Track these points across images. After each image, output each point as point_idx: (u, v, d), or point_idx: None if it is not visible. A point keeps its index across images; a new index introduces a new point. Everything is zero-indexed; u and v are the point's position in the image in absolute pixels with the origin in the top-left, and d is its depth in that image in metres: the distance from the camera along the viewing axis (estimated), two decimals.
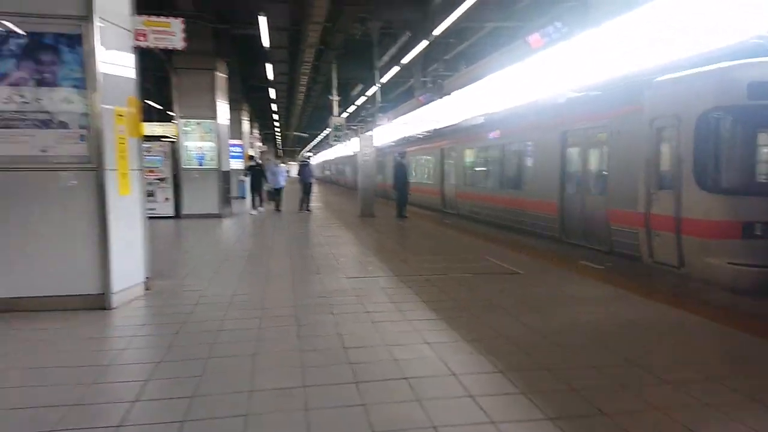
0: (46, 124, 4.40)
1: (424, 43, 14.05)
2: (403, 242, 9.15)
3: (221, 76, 13.54)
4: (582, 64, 8.73)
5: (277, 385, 2.99)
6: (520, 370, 3.20)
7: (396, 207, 13.28)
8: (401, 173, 13.30)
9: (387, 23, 14.62)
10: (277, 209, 14.67)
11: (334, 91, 18.73)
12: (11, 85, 4.30)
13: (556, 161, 9.53)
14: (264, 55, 15.47)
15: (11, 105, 4.31)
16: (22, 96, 4.31)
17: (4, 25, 4.23)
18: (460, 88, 13.47)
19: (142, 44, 5.06)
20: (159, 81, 18.21)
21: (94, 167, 4.48)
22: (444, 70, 18.02)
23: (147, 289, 5.20)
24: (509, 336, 3.85)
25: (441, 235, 9.82)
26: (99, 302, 4.53)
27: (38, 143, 4.40)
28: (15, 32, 4.26)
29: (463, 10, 11.16)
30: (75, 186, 4.47)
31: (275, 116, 32.60)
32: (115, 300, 4.62)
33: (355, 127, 27.07)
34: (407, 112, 18.33)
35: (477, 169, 14.13)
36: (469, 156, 14.52)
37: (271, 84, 19.73)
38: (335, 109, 19.67)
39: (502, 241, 8.84)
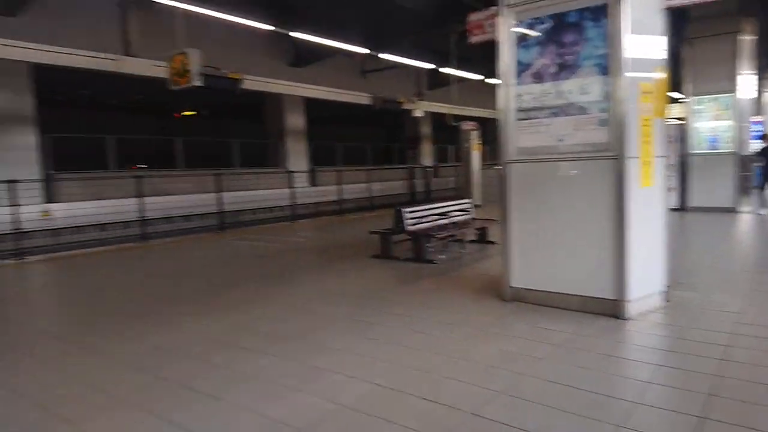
0: (563, 110, 4.14)
1: None
2: None
3: (746, 39, 10.81)
4: None
5: None
6: None
7: None
8: None
9: None
10: None
11: None
12: (533, 75, 4.25)
13: None
14: None
15: (533, 96, 4.27)
16: (542, 85, 4.20)
17: (534, 16, 4.20)
18: None
19: (675, 4, 4.08)
20: None
21: (613, 155, 3.90)
22: None
23: (667, 300, 4.27)
24: None
25: None
26: (612, 309, 3.96)
27: (554, 132, 4.21)
28: (541, 19, 4.17)
29: None
30: (592, 177, 4.03)
31: None
32: (631, 310, 3.93)
33: None
34: None
35: None
36: None
37: None
38: None
39: None
